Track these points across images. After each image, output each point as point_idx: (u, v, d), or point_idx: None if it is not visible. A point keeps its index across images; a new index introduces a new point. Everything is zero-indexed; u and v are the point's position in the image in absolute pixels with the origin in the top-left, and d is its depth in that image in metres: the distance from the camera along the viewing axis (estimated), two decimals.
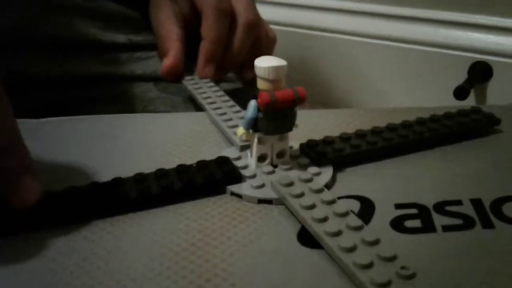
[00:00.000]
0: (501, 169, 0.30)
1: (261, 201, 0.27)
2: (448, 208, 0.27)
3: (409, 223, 0.25)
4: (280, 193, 0.26)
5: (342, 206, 0.25)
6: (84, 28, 0.47)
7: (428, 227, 0.25)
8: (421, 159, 0.32)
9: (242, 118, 0.34)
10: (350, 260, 0.21)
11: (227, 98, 0.39)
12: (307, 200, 0.25)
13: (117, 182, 0.27)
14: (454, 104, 0.68)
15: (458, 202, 0.27)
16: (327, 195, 0.26)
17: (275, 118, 0.28)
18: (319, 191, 0.26)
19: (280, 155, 0.30)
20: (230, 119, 0.35)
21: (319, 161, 0.30)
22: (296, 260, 0.23)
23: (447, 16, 0.73)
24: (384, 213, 0.26)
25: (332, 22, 0.82)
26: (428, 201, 0.27)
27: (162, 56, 0.46)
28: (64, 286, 0.21)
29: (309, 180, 0.27)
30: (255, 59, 0.27)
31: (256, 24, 0.46)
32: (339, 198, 0.27)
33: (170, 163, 0.29)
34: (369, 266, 0.21)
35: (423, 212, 0.26)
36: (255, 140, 0.29)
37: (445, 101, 0.69)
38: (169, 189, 0.27)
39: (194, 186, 0.27)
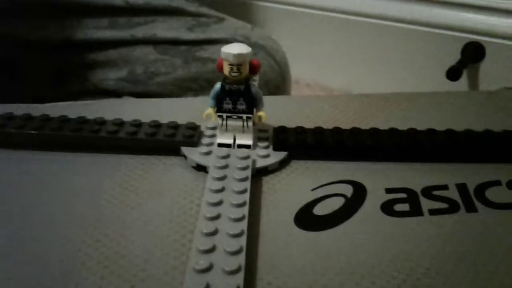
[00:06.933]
0: None
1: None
2: (435, 192, 0.28)
3: (398, 207, 0.27)
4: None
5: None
6: None
7: (415, 210, 0.27)
8: None
9: None
10: None
11: None
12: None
13: None
14: (447, 85, 0.69)
15: (445, 187, 0.29)
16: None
17: None
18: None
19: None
20: None
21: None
22: None
23: None
24: (375, 197, 0.28)
25: (325, 0, 0.83)
26: (417, 185, 0.29)
27: None
28: None
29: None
30: None
31: None
32: (332, 183, 0.29)
33: None
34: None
35: (411, 196, 0.28)
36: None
37: (438, 82, 0.71)
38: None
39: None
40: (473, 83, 0.73)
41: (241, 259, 0.22)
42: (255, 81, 0.31)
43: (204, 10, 0.56)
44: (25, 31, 0.48)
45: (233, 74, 0.29)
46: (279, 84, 0.54)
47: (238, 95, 0.30)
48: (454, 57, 0.72)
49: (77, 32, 0.49)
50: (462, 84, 0.72)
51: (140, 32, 0.51)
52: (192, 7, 0.55)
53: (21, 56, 0.49)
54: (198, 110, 0.32)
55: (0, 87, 0.49)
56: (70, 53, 0.49)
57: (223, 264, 0.21)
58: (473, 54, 0.72)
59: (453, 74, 0.69)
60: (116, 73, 0.49)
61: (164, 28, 0.52)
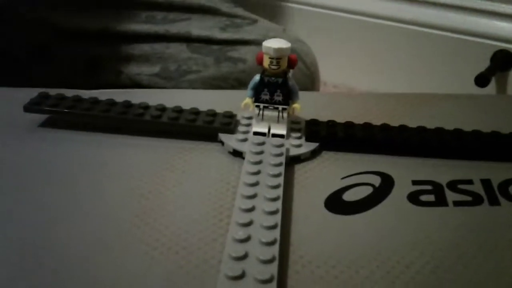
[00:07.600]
0: None
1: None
2: (460, 186, 0.30)
3: (424, 197, 0.29)
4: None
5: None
6: None
7: (440, 201, 0.28)
8: None
9: None
10: None
11: None
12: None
13: None
14: (475, 91, 0.70)
15: (470, 182, 0.30)
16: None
17: None
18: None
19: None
20: None
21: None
22: None
23: (473, 4, 0.75)
24: (402, 188, 0.29)
25: (355, 3, 0.84)
26: (443, 179, 0.30)
27: None
28: None
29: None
30: None
31: None
32: (361, 173, 0.31)
33: None
34: None
35: (437, 188, 0.29)
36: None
37: (466, 88, 0.71)
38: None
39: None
40: (501, 91, 0.74)
41: (276, 233, 0.23)
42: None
43: (238, 11, 0.58)
44: (61, 18, 0.50)
45: (273, 67, 0.31)
46: (308, 86, 0.56)
47: (276, 87, 0.32)
48: (483, 64, 0.73)
49: (113, 23, 0.51)
50: (490, 91, 0.72)
51: (175, 28, 0.53)
52: (227, 8, 0.57)
53: (55, 43, 0.51)
54: (233, 102, 0.34)
55: (33, 72, 0.51)
56: (104, 44, 0.51)
57: (260, 236, 0.23)
58: (502, 61, 0.72)
59: (481, 80, 0.70)
60: (149, 69, 0.51)
61: (198, 27, 0.54)
